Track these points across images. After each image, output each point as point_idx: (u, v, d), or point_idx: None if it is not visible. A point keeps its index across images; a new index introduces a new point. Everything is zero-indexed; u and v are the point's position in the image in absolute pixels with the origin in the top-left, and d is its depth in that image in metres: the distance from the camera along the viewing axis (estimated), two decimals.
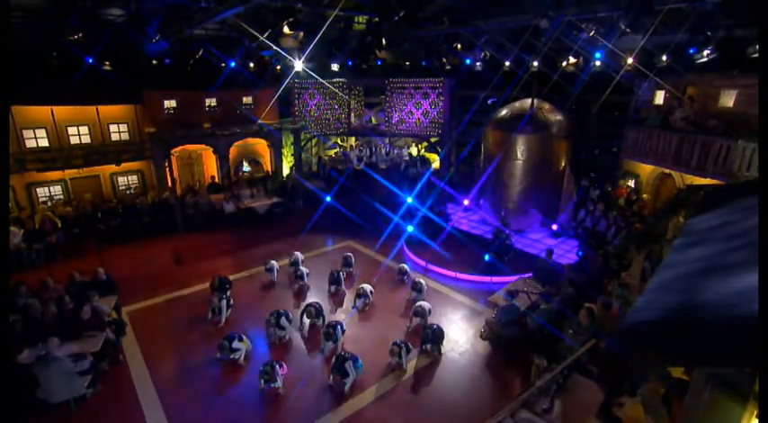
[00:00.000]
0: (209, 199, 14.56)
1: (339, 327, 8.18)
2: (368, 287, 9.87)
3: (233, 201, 14.22)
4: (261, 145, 17.83)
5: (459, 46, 13.01)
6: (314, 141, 20.10)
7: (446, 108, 16.65)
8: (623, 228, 11.02)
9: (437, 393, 7.20)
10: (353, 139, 20.48)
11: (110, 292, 8.95)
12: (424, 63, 15.72)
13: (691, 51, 9.54)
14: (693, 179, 10.40)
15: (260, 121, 16.98)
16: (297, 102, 17.89)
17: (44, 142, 13.04)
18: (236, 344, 7.79)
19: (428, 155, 19.46)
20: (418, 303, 9.03)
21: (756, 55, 8.79)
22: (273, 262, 11.23)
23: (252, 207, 14.40)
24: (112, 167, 14.05)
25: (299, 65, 17.20)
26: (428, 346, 8.11)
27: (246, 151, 17.72)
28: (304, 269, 10.89)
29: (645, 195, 12.07)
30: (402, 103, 17.12)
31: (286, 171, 18.34)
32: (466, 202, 15.93)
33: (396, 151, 19.81)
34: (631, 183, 13.05)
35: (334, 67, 17.94)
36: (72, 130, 13.49)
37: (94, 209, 12.88)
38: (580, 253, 10.91)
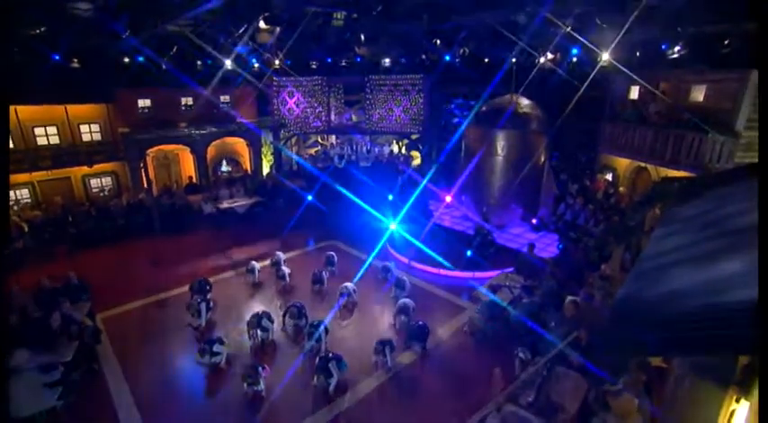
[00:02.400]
0: (187, 200, 14.20)
1: (322, 326, 8.07)
2: (351, 286, 9.77)
3: (211, 202, 13.90)
4: (240, 144, 17.50)
5: (438, 41, 13.00)
6: (294, 140, 19.83)
7: (426, 105, 16.66)
8: (602, 220, 11.23)
9: (423, 391, 7.16)
10: (334, 137, 20.31)
11: (82, 298, 8.61)
12: (403, 60, 15.68)
13: (663, 47, 9.75)
14: (668, 172, 10.66)
15: (238, 120, 16.65)
16: (275, 100, 17.61)
17: (9, 144, 12.45)
18: (216, 347, 7.59)
19: (411, 152, 19.44)
20: (401, 301, 8.99)
21: (726, 50, 9.05)
22: (254, 263, 11.02)
23: (231, 207, 14.10)
24: (84, 169, 13.54)
25: (277, 62, 17.03)
26: (412, 344, 8.08)
27: (225, 151, 17.36)
28: (286, 269, 10.72)
29: (621, 188, 12.33)
30: (382, 100, 17.04)
31: (266, 170, 18.04)
32: (448, 199, 15.97)
33: (377, 149, 19.75)
34: (609, 176, 13.32)
35: (313, 64, 17.81)
36: (39, 131, 12.92)
37: (65, 212, 12.38)
38: (560, 246, 11.06)
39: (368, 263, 11.76)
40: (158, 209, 13.34)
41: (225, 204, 14.19)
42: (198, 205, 13.99)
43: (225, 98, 16.98)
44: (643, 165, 11.73)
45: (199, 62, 15.49)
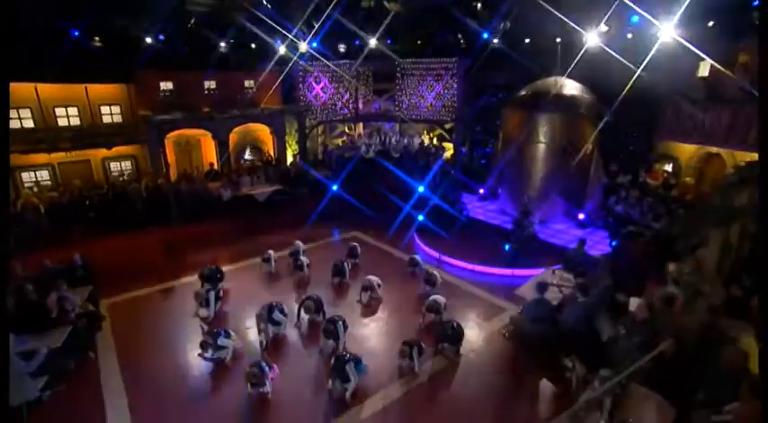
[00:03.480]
0: (207, 186, 13.59)
1: (341, 323, 7.09)
2: (375, 279, 8.78)
3: (231, 187, 13.22)
4: (263, 132, 16.82)
5: (476, 10, 11.79)
6: (320, 130, 19.03)
7: (460, 90, 15.47)
8: (662, 215, 9.76)
9: (455, 403, 6.06)
10: (362, 126, 19.38)
11: (85, 281, 8.00)
12: (437, 39, 14.54)
13: (754, 4, 8.22)
14: (746, 157, 9.06)
15: (262, 105, 15.98)
16: (301, 85, 16.86)
17: (29, 123, 12.18)
18: (222, 340, 6.75)
19: (443, 143, 18.25)
20: (432, 297, 7.90)
21: None
22: (271, 252, 10.21)
23: (251, 194, 13.39)
24: (104, 152, 13.15)
25: (303, 46, 16.24)
26: (444, 346, 6.99)
27: (248, 138, 16.73)
28: (304, 259, 9.85)
29: (688, 179, 10.76)
30: (413, 86, 15.98)
31: (290, 160, 17.30)
32: (482, 192, 14.74)
33: (406, 140, 18.66)
34: (668, 167, 11.72)
35: (342, 48, 16.92)
36: (60, 112, 12.60)
37: (82, 195, 11.97)
38: (614, 243, 9.66)
39: (394, 256, 10.76)
40: (176, 195, 12.79)
41: (245, 191, 13.49)
42: (217, 192, 13.34)
43: (249, 83, 16.35)
44: (714, 150, 10.13)
45: (222, 44, 14.88)
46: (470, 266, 10.31)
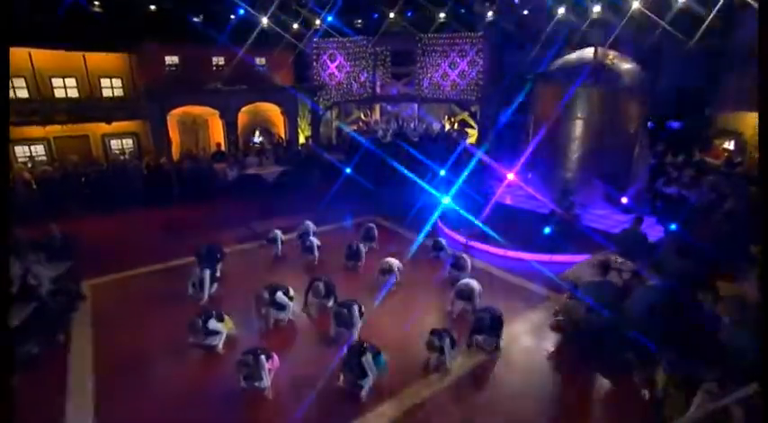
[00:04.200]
0: (212, 166, 12.63)
1: (356, 307, 5.93)
2: (395, 262, 7.59)
3: (237, 166, 12.23)
4: (274, 112, 15.84)
5: None
6: (334, 115, 17.97)
7: (486, 67, 14.22)
8: (730, 195, 8.37)
9: (495, 407, 4.83)
10: (378, 113, 18.25)
11: (64, 256, 7.00)
12: (461, 10, 13.34)
13: None
14: None
15: (274, 83, 14.98)
16: (315, 64, 15.83)
17: (23, 93, 11.38)
18: (213, 324, 5.65)
19: (466, 129, 17.01)
20: (463, 281, 6.68)
21: None
22: (278, 231, 9.11)
23: (259, 174, 12.36)
24: (104, 127, 12.30)
25: (317, 21, 15.22)
26: (480, 339, 5.77)
27: (258, 119, 15.77)
28: (314, 240, 8.73)
29: (757, 155, 9.31)
30: (436, 64, 14.79)
31: (302, 142, 16.27)
32: (511, 176, 13.43)
33: (425, 125, 17.48)
34: (729, 144, 10.28)
35: (359, 23, 15.84)
36: (57, 82, 11.79)
37: (78, 171, 11.10)
38: (673, 226, 8.29)
39: (414, 241, 9.55)
40: (178, 174, 11.86)
41: (252, 170, 12.48)
42: (223, 172, 12.37)
43: (260, 60, 15.40)
44: None
45: (232, 16, 13.94)
46: (502, 252, 9.06)
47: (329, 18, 14.89)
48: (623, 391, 4.97)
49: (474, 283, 6.63)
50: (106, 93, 12.44)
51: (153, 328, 6.34)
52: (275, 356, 5.13)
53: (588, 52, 11.31)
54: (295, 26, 15.12)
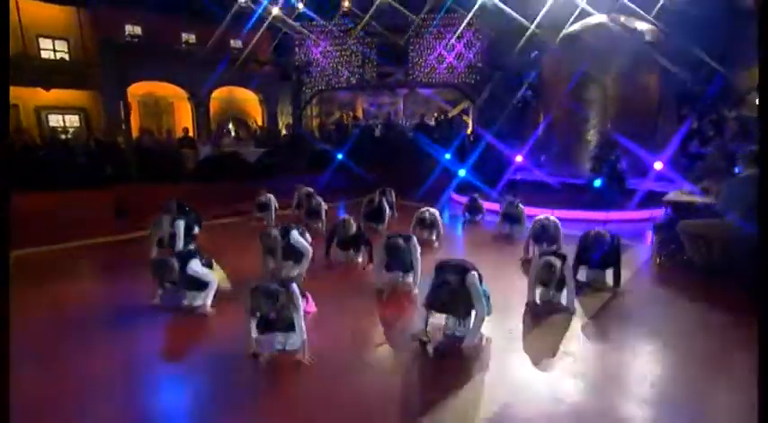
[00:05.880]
0: (178, 149, 10.52)
1: (414, 241, 4.08)
2: (435, 212, 5.79)
3: (210, 143, 10.20)
4: (251, 102, 14.11)
5: None
6: (315, 111, 16.40)
7: (486, 48, 13.35)
8: None
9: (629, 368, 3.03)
10: (362, 113, 16.86)
11: None
12: None
13: None
14: None
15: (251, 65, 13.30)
16: (298, 50, 14.42)
17: None
18: (196, 267, 3.58)
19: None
20: (540, 218, 5.00)
21: None
22: (270, 196, 7.16)
23: (237, 152, 10.34)
24: (40, 98, 9.96)
25: (300, 4, 13.95)
26: (593, 275, 4.05)
27: (232, 108, 13.92)
28: (320, 200, 6.83)
29: None
30: (430, 46, 13.79)
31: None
32: (519, 159, 12.24)
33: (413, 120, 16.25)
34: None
35: (345, 6, 14.70)
36: None
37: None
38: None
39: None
40: (137, 149, 9.69)
41: (228, 149, 10.48)
42: (193, 153, 10.27)
43: (236, 43, 13.76)
44: None
45: None
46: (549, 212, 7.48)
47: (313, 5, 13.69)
48: None
49: (553, 218, 4.97)
50: (46, 54, 10.16)
51: (100, 294, 4.15)
52: (310, 297, 3.14)
53: (603, 17, 10.65)
54: (276, 10, 13.74)
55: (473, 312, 2.93)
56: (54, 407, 2.47)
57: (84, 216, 7.48)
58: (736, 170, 6.22)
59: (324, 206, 6.81)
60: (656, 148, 9.91)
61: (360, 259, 4.89)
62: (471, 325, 2.95)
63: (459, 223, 7.16)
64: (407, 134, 13.23)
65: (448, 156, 11.99)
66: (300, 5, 13.91)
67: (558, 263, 3.42)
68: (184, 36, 12.69)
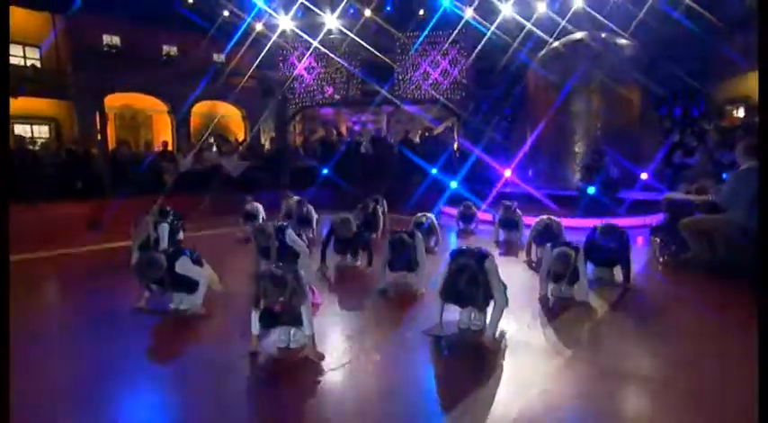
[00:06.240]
0: (157, 161, 10.08)
1: (419, 236, 3.87)
2: (432, 217, 5.62)
3: (191, 155, 9.83)
4: (233, 118, 13.85)
5: None
6: (298, 128, 16.22)
7: (470, 65, 13.61)
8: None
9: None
10: (345, 130, 16.78)
11: None
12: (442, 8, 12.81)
13: None
14: None
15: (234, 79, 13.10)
16: (282, 65, 14.35)
17: None
18: (186, 264, 3.23)
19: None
20: (546, 216, 4.88)
21: None
22: (257, 205, 6.84)
23: (220, 165, 9.98)
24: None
25: (286, 22, 13.96)
26: (600, 272, 3.93)
27: (214, 125, 13.56)
28: (311, 207, 6.55)
29: None
30: (415, 62, 13.98)
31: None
32: (508, 174, 12.32)
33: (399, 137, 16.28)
34: (738, 111, 10.03)
35: (333, 21, 14.77)
36: None
37: None
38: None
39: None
40: (113, 160, 9.24)
41: (211, 162, 10.12)
42: (173, 166, 9.86)
43: (218, 58, 13.59)
44: None
45: (190, 0, 12.28)
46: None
47: (298, 15, 13.76)
48: None
49: (554, 218, 4.87)
50: (15, 61, 9.63)
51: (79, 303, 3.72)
52: (315, 289, 2.85)
53: (585, 35, 11.04)
54: (260, 25, 13.73)
55: (491, 303, 2.71)
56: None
57: (53, 228, 6.98)
58: (724, 177, 6.38)
59: (315, 215, 6.53)
60: (640, 160, 10.19)
61: (358, 263, 4.62)
62: (490, 317, 2.71)
63: (453, 232, 7.00)
64: (394, 149, 13.21)
65: (435, 170, 11.99)
66: (286, 21, 13.98)
67: (572, 253, 3.27)
68: (165, 48, 12.44)
